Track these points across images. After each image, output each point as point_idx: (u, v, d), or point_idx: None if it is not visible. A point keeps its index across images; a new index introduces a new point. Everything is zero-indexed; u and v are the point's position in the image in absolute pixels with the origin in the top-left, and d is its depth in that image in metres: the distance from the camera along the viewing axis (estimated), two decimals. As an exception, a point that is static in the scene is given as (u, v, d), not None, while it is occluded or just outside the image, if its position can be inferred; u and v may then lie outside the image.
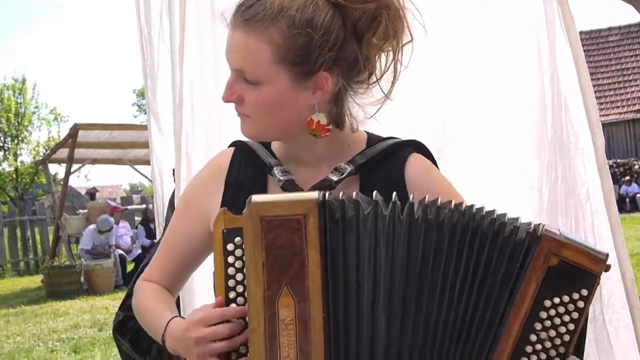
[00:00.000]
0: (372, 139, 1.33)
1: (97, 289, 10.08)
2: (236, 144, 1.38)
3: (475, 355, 1.07)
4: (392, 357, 1.07)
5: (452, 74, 2.08)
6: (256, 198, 1.08)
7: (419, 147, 1.34)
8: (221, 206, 1.24)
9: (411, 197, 1.09)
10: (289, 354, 1.05)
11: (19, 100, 24.65)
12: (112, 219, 11.02)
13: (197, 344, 1.13)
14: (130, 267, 10.94)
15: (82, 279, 10.43)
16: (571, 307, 1.04)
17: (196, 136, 2.29)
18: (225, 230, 1.11)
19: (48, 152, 14.41)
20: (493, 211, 1.08)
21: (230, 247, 1.11)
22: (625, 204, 18.73)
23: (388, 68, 1.26)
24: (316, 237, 1.05)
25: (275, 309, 1.05)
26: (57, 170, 19.70)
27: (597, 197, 1.96)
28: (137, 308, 1.37)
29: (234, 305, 1.11)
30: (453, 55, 2.06)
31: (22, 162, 24.26)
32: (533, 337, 1.05)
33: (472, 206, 1.08)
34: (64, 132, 20.39)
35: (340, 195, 1.08)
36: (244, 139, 1.35)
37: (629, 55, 27.09)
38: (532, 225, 1.06)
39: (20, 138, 24.57)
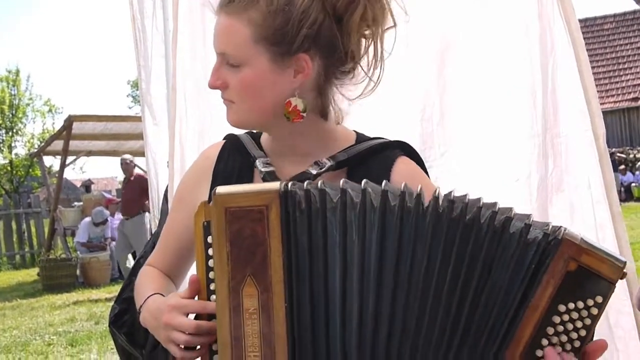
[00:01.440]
0: (361, 138, 1.34)
1: (93, 281, 10.06)
2: (228, 137, 1.40)
3: (479, 357, 1.05)
4: (366, 344, 1.06)
5: (440, 63, 2.06)
6: (221, 189, 1.08)
7: (408, 150, 1.34)
8: (209, 198, 1.24)
9: (383, 183, 1.07)
10: (253, 343, 1.06)
11: (12, 92, 24.55)
12: (107, 211, 10.99)
13: (165, 327, 1.15)
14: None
15: (78, 271, 10.41)
16: (585, 313, 1.02)
17: (189, 125, 2.28)
18: (205, 223, 1.11)
19: (43, 144, 14.36)
20: (494, 204, 1.05)
21: (210, 239, 1.11)
22: (620, 193, 18.79)
23: (367, 50, 1.26)
24: (278, 227, 1.06)
25: (240, 299, 1.06)
26: (52, 162, 19.70)
27: (597, 186, 1.95)
28: (135, 286, 1.41)
29: (214, 297, 1.11)
30: (442, 45, 2.06)
31: (16, 154, 24.21)
32: (544, 341, 1.03)
33: (464, 196, 1.06)
34: (59, 124, 20.34)
35: (306, 185, 1.07)
36: (237, 131, 1.37)
37: (624, 43, 27.10)
38: (551, 227, 1.03)
39: (14, 130, 24.50)
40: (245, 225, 1.06)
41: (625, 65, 26.46)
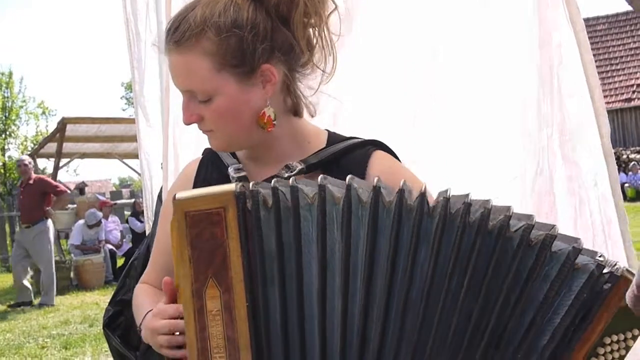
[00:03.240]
0: (332, 138, 1.34)
1: (87, 284, 10.03)
2: (205, 150, 1.42)
3: None
4: (352, 348, 1.04)
5: (437, 61, 2.06)
6: (180, 194, 1.09)
7: (381, 147, 1.33)
8: None
9: (375, 180, 1.06)
10: (218, 344, 1.07)
11: (5, 94, 24.45)
12: (99, 213, 10.96)
13: (152, 334, 1.19)
14: (120, 262, 10.90)
15: (72, 274, 10.38)
16: (623, 344, 1.05)
17: (184, 127, 2.28)
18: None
19: (36, 146, 14.34)
20: (530, 216, 1.04)
21: None
22: (614, 193, 18.83)
23: (317, 40, 1.27)
24: (236, 228, 1.06)
25: (203, 301, 1.07)
26: (45, 164, 19.63)
27: (604, 183, 1.96)
28: (133, 308, 1.43)
29: None
30: (439, 43, 2.05)
31: (10, 156, 24.11)
32: None
33: (487, 201, 1.03)
34: (52, 126, 20.26)
35: (273, 183, 1.07)
36: None
37: (617, 44, 27.19)
38: (605, 259, 1.04)
39: (7, 132, 24.39)
40: (204, 228, 1.07)
41: (618, 66, 26.55)
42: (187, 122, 1.27)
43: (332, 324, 1.04)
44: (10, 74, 24.67)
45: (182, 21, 1.22)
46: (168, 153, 2.28)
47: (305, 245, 1.05)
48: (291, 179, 1.08)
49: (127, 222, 12.38)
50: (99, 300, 8.65)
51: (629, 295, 1.47)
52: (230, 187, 1.08)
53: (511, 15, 2.02)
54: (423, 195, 1.03)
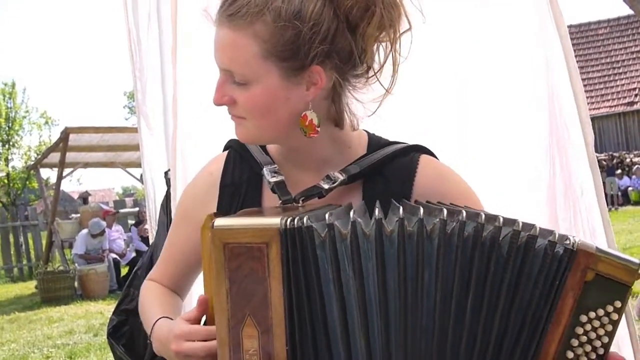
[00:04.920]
0: (373, 142, 1.27)
1: (92, 293, 10.03)
2: (232, 144, 1.33)
3: None
4: None
5: (444, 71, 2.07)
6: (219, 222, 1.04)
7: (424, 151, 1.28)
8: (217, 211, 1.22)
9: (376, 211, 1.02)
10: None
11: (9, 105, 24.52)
12: (103, 222, 10.97)
13: (176, 356, 1.13)
14: (124, 271, 10.90)
15: (76, 284, 10.38)
16: (606, 319, 1.02)
17: (192, 136, 2.28)
18: None
19: (39, 156, 14.35)
20: (514, 221, 1.02)
21: None
22: (617, 198, 18.80)
23: (386, 60, 1.19)
24: (278, 266, 1.00)
25: (240, 339, 1.02)
26: (49, 174, 19.68)
27: (589, 192, 1.96)
28: (140, 305, 1.38)
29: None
30: (445, 55, 2.05)
31: (13, 167, 24.16)
32: (570, 354, 1.02)
33: (477, 214, 1.01)
34: (55, 136, 20.37)
35: (297, 222, 1.01)
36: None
37: (619, 48, 27.19)
38: (558, 235, 1.02)
39: (11, 143, 24.45)
40: (244, 262, 1.01)
41: (620, 70, 26.54)
42: (217, 103, 1.18)
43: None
44: (13, 84, 24.76)
45: None
46: (177, 162, 2.28)
47: (324, 285, 1.01)
48: (305, 217, 1.02)
49: (129, 230, 12.38)
50: (104, 309, 8.65)
51: (637, 306, 1.48)
52: (275, 221, 1.01)
53: (517, 23, 2.03)
54: (421, 220, 1.00)
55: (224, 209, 1.16)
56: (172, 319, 1.22)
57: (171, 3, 2.23)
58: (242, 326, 1.02)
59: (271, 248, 1.01)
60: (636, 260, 1.03)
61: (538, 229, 1.01)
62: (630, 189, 19.26)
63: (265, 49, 1.12)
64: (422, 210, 1.01)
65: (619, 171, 19.90)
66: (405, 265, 1.00)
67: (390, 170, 1.23)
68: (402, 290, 0.99)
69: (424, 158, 1.25)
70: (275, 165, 1.24)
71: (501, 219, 1.01)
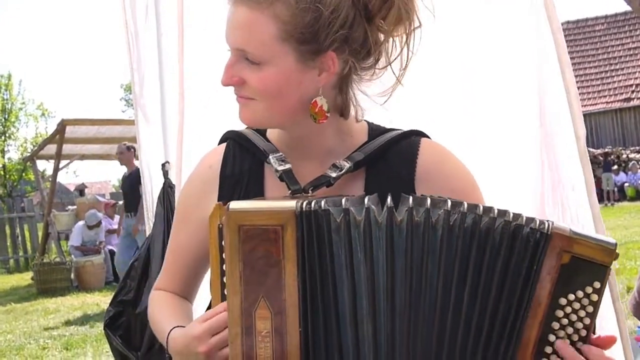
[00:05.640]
0: (373, 130, 1.27)
1: (88, 285, 10.03)
2: (229, 136, 1.31)
3: None
4: None
5: (438, 70, 2.07)
6: (234, 205, 1.04)
7: (423, 135, 1.29)
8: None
9: (388, 200, 1.03)
10: None
11: (5, 97, 24.49)
12: (99, 214, 10.97)
13: (208, 356, 1.10)
14: (120, 263, 10.91)
15: (72, 275, 10.39)
16: (586, 301, 1.03)
17: (197, 132, 2.28)
18: (220, 225, 1.08)
19: (36, 148, 14.33)
20: (506, 212, 1.04)
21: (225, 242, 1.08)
22: (614, 193, 18.85)
23: (400, 54, 1.19)
24: (293, 249, 1.01)
25: (252, 321, 1.03)
26: (45, 166, 19.62)
27: (581, 187, 1.97)
28: (150, 319, 1.34)
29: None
30: (441, 53, 2.06)
31: (9, 158, 24.16)
32: (552, 337, 1.03)
33: (476, 206, 1.03)
34: (52, 128, 20.26)
35: (313, 205, 1.02)
36: (237, 128, 1.30)
37: (616, 44, 27.20)
38: (538, 222, 1.03)
39: (7, 134, 24.43)
40: (258, 244, 1.02)
41: (617, 66, 26.55)
42: (226, 83, 1.15)
43: (364, 352, 1.03)
44: (10, 76, 24.73)
45: None
46: (182, 155, 2.28)
47: (337, 269, 1.02)
48: (323, 201, 1.03)
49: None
50: (100, 301, 8.65)
51: (630, 302, 1.48)
52: (291, 204, 1.02)
53: (509, 18, 2.03)
54: (428, 210, 1.02)
55: (225, 201, 1.15)
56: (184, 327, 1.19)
57: (177, 1, 2.23)
58: (255, 308, 1.03)
59: (286, 231, 1.01)
60: (612, 240, 1.04)
61: (525, 218, 1.03)
62: (626, 184, 19.31)
63: (285, 31, 1.10)
64: (429, 201, 1.03)
65: (615, 167, 19.95)
66: (412, 254, 1.01)
67: (392, 154, 1.23)
68: (408, 278, 1.01)
69: (424, 141, 1.26)
70: (281, 153, 1.22)
71: (496, 211, 1.03)
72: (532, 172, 2.06)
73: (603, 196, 18.02)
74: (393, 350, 1.02)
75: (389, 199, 1.03)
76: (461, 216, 1.02)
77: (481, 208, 1.03)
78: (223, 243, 1.07)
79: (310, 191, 1.16)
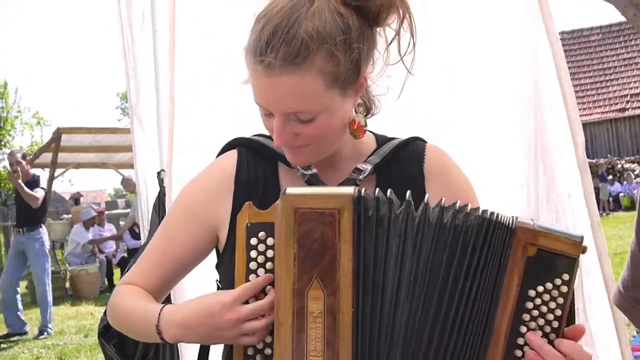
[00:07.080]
0: (379, 137, 1.33)
1: (83, 294, 10.00)
2: (239, 143, 1.31)
3: (473, 351, 1.07)
4: (407, 356, 1.06)
5: (437, 73, 2.08)
6: (291, 190, 1.07)
7: (425, 141, 1.35)
8: (233, 208, 1.24)
9: (426, 197, 1.08)
10: (316, 347, 1.05)
11: (0, 105, 24.45)
12: (93, 211, 11.01)
13: (234, 326, 1.08)
14: (116, 272, 10.86)
15: (67, 284, 10.34)
16: (555, 293, 1.05)
17: (187, 137, 2.28)
18: (249, 224, 1.10)
19: (31, 156, 14.31)
20: (493, 212, 1.08)
21: (253, 241, 1.10)
22: (609, 203, 18.90)
23: (408, 47, 1.22)
24: (350, 232, 1.05)
25: (305, 302, 1.05)
26: (40, 175, 19.55)
27: (578, 195, 1.97)
28: (115, 310, 1.27)
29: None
30: (439, 56, 2.07)
31: (4, 167, 24.05)
32: (523, 329, 1.06)
33: (466, 205, 1.08)
34: (47, 137, 20.28)
35: (376, 193, 1.07)
36: (239, 135, 1.33)
37: (611, 54, 27.35)
38: (504, 217, 1.07)
39: (2, 143, 24.38)
40: (314, 227, 1.05)
41: (612, 77, 26.69)
42: (282, 145, 1.17)
43: (394, 336, 1.06)
44: (5, 84, 24.70)
45: (293, 37, 1.08)
46: (172, 162, 2.27)
47: (389, 257, 1.06)
48: (389, 191, 1.07)
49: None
50: (94, 310, 8.62)
51: (615, 296, 1.48)
52: (349, 190, 1.06)
53: (508, 27, 2.04)
54: (426, 205, 1.07)
55: (240, 206, 1.14)
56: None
57: (169, 4, 2.23)
58: (308, 288, 1.05)
59: (343, 214, 1.05)
60: (578, 234, 1.07)
61: (489, 213, 1.07)
62: (621, 194, 19.35)
63: (331, 80, 1.11)
64: (457, 204, 1.08)
65: (610, 177, 20.00)
66: (457, 252, 1.06)
67: (402, 157, 1.29)
68: (438, 274, 1.06)
69: (429, 146, 1.32)
70: None
71: (480, 211, 1.08)
72: (526, 178, 2.06)
73: (598, 206, 18.02)
74: (411, 339, 1.06)
75: (443, 200, 1.08)
76: (453, 214, 1.07)
77: (468, 207, 1.07)
78: (252, 241, 1.10)
79: None
